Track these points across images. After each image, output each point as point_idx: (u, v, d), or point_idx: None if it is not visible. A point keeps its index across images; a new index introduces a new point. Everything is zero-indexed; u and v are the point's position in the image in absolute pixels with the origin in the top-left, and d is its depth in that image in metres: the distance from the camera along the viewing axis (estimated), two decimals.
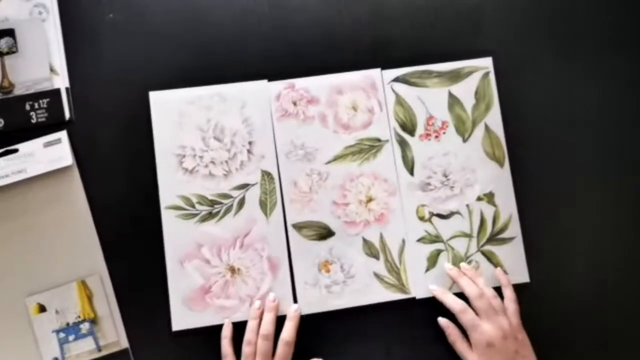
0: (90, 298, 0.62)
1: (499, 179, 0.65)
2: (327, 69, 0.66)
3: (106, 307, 0.62)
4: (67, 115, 0.64)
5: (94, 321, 0.62)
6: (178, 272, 0.62)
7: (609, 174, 0.67)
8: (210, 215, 0.63)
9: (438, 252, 0.64)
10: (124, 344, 0.62)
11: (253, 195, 0.64)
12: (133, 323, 0.62)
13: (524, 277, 0.64)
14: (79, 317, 0.62)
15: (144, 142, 0.64)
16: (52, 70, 0.64)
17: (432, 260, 0.64)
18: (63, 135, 0.63)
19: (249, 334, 0.60)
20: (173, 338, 0.62)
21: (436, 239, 0.64)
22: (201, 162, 0.64)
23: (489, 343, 0.58)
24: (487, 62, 0.67)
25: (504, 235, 0.65)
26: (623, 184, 0.67)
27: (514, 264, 0.64)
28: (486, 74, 0.67)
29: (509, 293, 0.62)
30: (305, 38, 0.67)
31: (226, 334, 0.61)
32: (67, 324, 0.61)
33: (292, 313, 0.61)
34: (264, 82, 0.65)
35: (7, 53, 0.63)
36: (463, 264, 0.64)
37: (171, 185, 0.63)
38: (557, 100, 0.67)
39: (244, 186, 0.64)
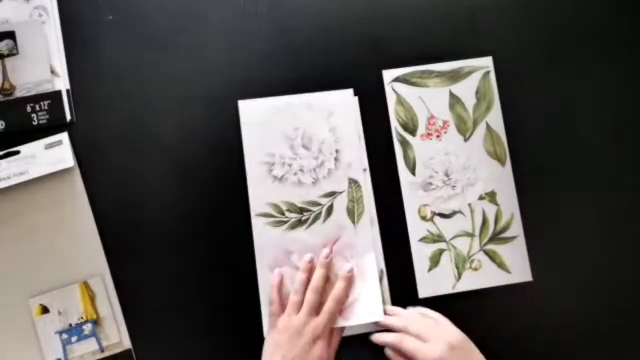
0: (92, 299, 0.62)
1: (501, 178, 0.65)
2: (326, 70, 0.66)
3: (108, 308, 0.62)
4: (68, 116, 0.64)
5: (96, 322, 0.62)
6: (268, 278, 0.62)
7: (610, 173, 0.66)
8: (299, 223, 0.64)
9: (440, 252, 0.64)
10: (127, 344, 0.62)
11: (341, 203, 0.64)
12: (135, 324, 0.62)
13: (526, 276, 0.64)
14: (82, 318, 0.62)
15: (144, 138, 0.64)
16: (52, 72, 0.64)
17: (435, 260, 0.64)
18: (64, 136, 0.63)
19: (298, 285, 0.60)
20: (175, 338, 0.62)
21: (438, 238, 0.64)
22: (290, 170, 0.64)
23: (440, 357, 0.55)
24: (487, 62, 0.67)
25: (506, 234, 0.64)
26: (624, 182, 0.66)
27: (517, 262, 0.64)
28: (487, 73, 0.66)
29: (430, 313, 0.61)
30: (304, 39, 0.67)
31: (275, 282, 0.61)
32: (70, 325, 0.62)
33: (346, 273, 0.62)
34: (350, 91, 0.66)
35: (8, 55, 0.63)
36: (387, 307, 0.62)
37: (261, 193, 0.64)
38: (558, 98, 0.67)
39: (332, 194, 0.64)
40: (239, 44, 0.67)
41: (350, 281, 0.62)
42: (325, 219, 0.64)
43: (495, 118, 0.66)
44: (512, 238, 0.64)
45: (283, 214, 0.64)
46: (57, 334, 0.61)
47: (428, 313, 0.61)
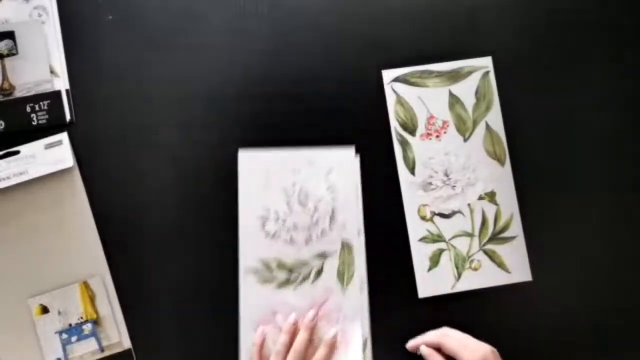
0: (92, 299, 0.62)
1: (501, 178, 0.65)
2: (326, 70, 0.66)
3: (108, 308, 0.62)
4: (67, 116, 0.64)
5: (96, 322, 0.62)
6: (251, 334, 0.61)
7: (611, 172, 0.66)
8: (287, 282, 0.62)
9: (440, 252, 0.64)
10: (127, 344, 0.62)
11: (332, 265, 0.63)
12: (135, 324, 0.62)
13: (526, 275, 0.64)
14: (82, 318, 0.62)
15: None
16: (52, 72, 0.64)
17: (435, 260, 0.64)
18: (64, 136, 0.63)
19: (280, 347, 0.59)
20: (175, 338, 0.62)
21: (438, 238, 0.64)
22: (283, 227, 0.63)
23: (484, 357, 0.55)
24: (487, 62, 0.67)
25: (506, 234, 0.64)
26: (625, 182, 0.66)
27: (516, 262, 0.64)
28: (486, 73, 0.66)
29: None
30: (304, 39, 0.67)
31: (257, 341, 0.60)
32: (70, 325, 0.62)
33: (330, 339, 0.60)
34: (352, 151, 0.65)
35: (7, 55, 0.63)
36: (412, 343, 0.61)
37: (252, 247, 0.63)
38: (558, 98, 0.67)
39: (324, 255, 0.63)
40: (239, 44, 0.67)
41: (333, 347, 0.60)
42: (314, 280, 0.63)
43: (494, 118, 0.66)
44: (512, 238, 0.64)
45: (272, 271, 0.62)
46: (57, 334, 0.61)
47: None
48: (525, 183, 0.65)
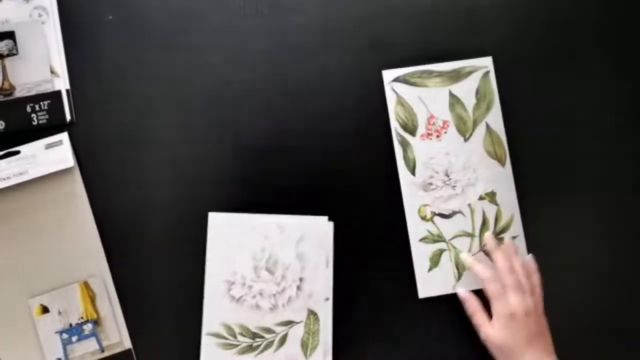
0: (92, 299, 0.62)
1: (501, 178, 0.65)
2: (326, 70, 0.66)
3: (109, 308, 0.62)
4: (68, 117, 0.64)
5: (96, 322, 0.62)
6: None
7: (610, 172, 0.67)
8: (250, 349, 0.62)
9: (440, 252, 0.64)
10: (127, 344, 0.62)
11: (296, 334, 0.62)
12: (135, 324, 0.63)
13: None
14: (82, 318, 0.62)
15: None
16: (52, 72, 0.64)
17: (435, 260, 0.64)
18: (64, 137, 0.63)
19: None
20: (175, 338, 0.63)
21: (438, 238, 0.64)
22: (249, 292, 0.62)
23: (512, 314, 0.57)
24: (487, 62, 0.67)
25: (506, 234, 0.64)
26: (625, 182, 0.66)
27: None
28: (486, 73, 0.66)
29: (535, 280, 0.61)
30: (303, 38, 0.67)
31: None
32: (70, 325, 0.62)
33: None
34: (324, 218, 0.64)
35: (8, 55, 0.63)
36: (506, 239, 0.64)
37: (216, 311, 0.62)
38: (558, 98, 0.67)
39: (289, 323, 0.62)
40: (239, 44, 0.67)
41: None
42: (277, 349, 0.62)
43: (495, 118, 0.66)
44: (512, 238, 0.64)
45: (235, 337, 0.62)
46: (57, 333, 0.61)
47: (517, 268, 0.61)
48: (526, 183, 0.65)
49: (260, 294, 0.62)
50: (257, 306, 0.62)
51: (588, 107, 0.67)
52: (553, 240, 0.65)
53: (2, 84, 0.63)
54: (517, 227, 0.65)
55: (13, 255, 0.62)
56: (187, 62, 0.66)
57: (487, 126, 0.66)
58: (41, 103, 0.64)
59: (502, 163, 0.66)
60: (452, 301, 0.63)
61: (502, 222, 0.65)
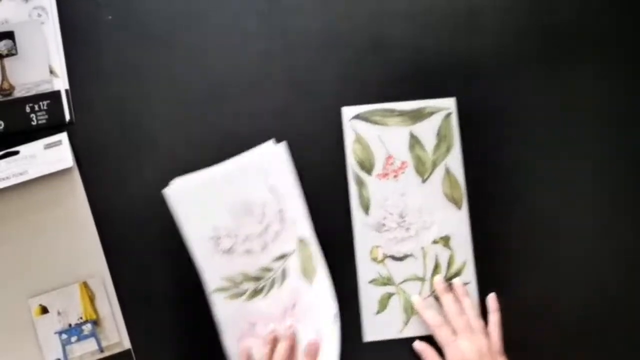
0: (92, 299, 0.62)
1: (456, 223, 0.64)
2: (327, 70, 0.66)
3: (108, 308, 0.62)
4: (67, 117, 0.64)
5: (96, 322, 0.62)
6: (237, 352, 0.61)
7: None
8: (256, 292, 0.62)
9: (389, 296, 0.63)
10: (126, 344, 0.62)
11: (293, 264, 0.62)
12: (135, 324, 0.63)
13: None
14: (81, 318, 0.62)
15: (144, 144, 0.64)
16: (51, 72, 0.64)
17: (384, 304, 0.63)
18: (63, 137, 0.63)
19: (263, 358, 0.60)
20: (175, 338, 0.63)
21: (388, 281, 0.63)
22: (237, 240, 0.62)
23: (464, 359, 0.57)
24: (449, 103, 0.65)
25: (458, 280, 0.63)
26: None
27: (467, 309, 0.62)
28: (448, 115, 0.65)
29: (494, 318, 0.61)
30: (303, 38, 0.67)
31: (242, 359, 0.60)
32: (70, 325, 0.62)
33: (310, 347, 0.60)
34: (279, 145, 0.63)
35: (7, 55, 0.63)
36: (456, 280, 0.62)
37: (213, 268, 0.62)
38: (558, 99, 0.67)
39: (282, 256, 0.62)
40: (239, 44, 0.66)
41: (315, 354, 0.60)
42: (281, 284, 0.62)
43: (454, 161, 0.64)
44: (464, 285, 0.63)
45: (239, 285, 0.62)
46: (56, 334, 0.61)
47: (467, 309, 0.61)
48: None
49: (247, 238, 0.62)
50: (249, 251, 0.62)
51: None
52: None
53: (2, 84, 0.63)
54: (469, 273, 0.63)
55: (12, 255, 0.62)
56: (187, 62, 0.66)
57: (446, 168, 0.64)
58: (40, 103, 0.64)
59: (459, 206, 0.64)
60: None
61: (455, 267, 0.63)
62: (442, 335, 0.59)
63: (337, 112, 0.65)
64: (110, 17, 0.66)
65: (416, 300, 0.62)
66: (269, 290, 0.62)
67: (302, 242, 0.62)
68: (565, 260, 0.65)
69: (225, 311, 0.62)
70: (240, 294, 0.62)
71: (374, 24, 0.67)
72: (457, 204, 0.64)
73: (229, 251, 0.62)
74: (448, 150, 0.64)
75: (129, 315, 0.63)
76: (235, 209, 0.62)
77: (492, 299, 0.62)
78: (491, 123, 0.66)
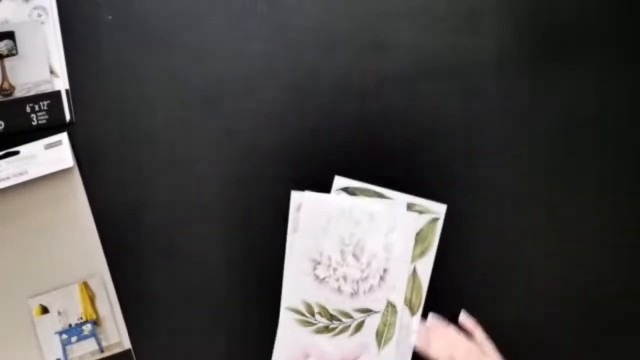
0: (92, 299, 0.62)
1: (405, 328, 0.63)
2: (327, 69, 0.66)
3: (108, 308, 0.62)
4: (67, 117, 0.64)
5: (96, 322, 0.62)
6: None
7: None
8: (326, 329, 0.62)
9: None
10: (127, 344, 0.62)
11: (373, 322, 0.62)
12: (135, 324, 0.63)
13: None
14: (82, 318, 0.62)
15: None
16: (52, 72, 0.64)
17: None
18: (64, 137, 0.63)
19: None
20: (175, 338, 0.63)
21: None
22: (333, 275, 0.62)
23: None
24: (440, 208, 0.64)
25: None
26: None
27: None
28: (435, 220, 0.64)
29: (480, 335, 0.61)
30: (303, 38, 0.67)
31: None
32: (70, 325, 0.62)
33: None
34: (414, 214, 0.63)
35: (7, 55, 0.63)
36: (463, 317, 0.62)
37: (298, 288, 0.62)
38: (558, 98, 0.67)
39: (367, 311, 0.62)
40: (239, 43, 0.66)
41: None
42: (352, 334, 0.62)
43: (425, 266, 0.63)
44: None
45: (313, 315, 0.62)
46: (56, 334, 0.61)
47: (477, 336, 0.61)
48: None
49: (344, 278, 0.62)
50: (339, 289, 0.62)
51: (591, 109, 0.67)
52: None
53: (2, 84, 0.63)
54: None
55: (12, 255, 0.62)
56: (187, 62, 0.66)
57: (414, 270, 0.64)
58: (41, 103, 0.64)
59: (413, 312, 0.63)
60: None
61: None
62: None
63: (337, 113, 0.65)
64: (110, 17, 0.66)
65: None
66: (338, 334, 0.62)
67: (391, 307, 0.63)
68: (564, 260, 0.65)
69: (289, 332, 0.62)
70: (311, 324, 0.62)
71: (374, 24, 0.67)
72: (412, 309, 0.63)
73: (322, 280, 0.62)
74: (423, 253, 0.64)
75: (129, 315, 0.63)
76: (348, 246, 0.63)
77: (465, 319, 0.62)
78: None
